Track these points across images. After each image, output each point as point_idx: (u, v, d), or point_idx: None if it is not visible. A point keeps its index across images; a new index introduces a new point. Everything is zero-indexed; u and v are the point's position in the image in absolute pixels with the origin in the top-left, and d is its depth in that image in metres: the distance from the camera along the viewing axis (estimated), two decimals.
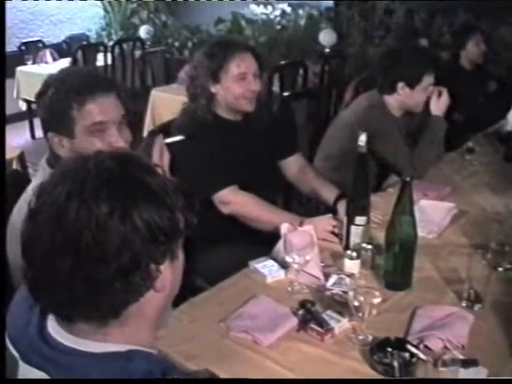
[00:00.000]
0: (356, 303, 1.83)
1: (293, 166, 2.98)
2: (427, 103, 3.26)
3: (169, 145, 2.62)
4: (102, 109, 1.90)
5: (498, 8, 6.20)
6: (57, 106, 1.89)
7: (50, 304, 1.10)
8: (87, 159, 1.10)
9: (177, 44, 8.83)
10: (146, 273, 1.07)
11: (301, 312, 1.96)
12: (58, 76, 1.96)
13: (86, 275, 1.03)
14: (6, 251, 1.86)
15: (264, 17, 8.46)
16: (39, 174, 1.98)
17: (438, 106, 3.25)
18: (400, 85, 3.22)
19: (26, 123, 7.46)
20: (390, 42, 5.51)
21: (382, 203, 2.65)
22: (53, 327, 1.12)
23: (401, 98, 3.26)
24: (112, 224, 1.02)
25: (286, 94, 4.78)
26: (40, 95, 1.93)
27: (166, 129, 2.82)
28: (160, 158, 2.04)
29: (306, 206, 3.55)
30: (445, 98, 3.25)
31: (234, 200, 2.65)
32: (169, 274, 1.12)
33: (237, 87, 2.68)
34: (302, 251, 2.12)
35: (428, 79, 3.22)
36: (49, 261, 1.04)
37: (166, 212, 1.08)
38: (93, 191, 1.03)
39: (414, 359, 1.68)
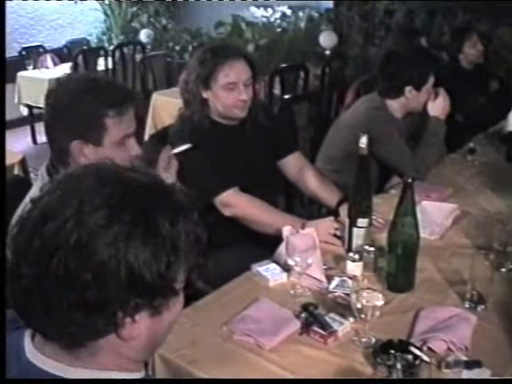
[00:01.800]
0: (359, 305, 1.82)
1: (292, 165, 2.98)
2: (425, 105, 3.26)
3: (164, 144, 2.62)
4: (128, 122, 1.94)
5: (497, 8, 6.20)
6: (90, 114, 1.87)
7: (23, 316, 1.03)
8: (92, 174, 1.02)
9: (177, 47, 8.83)
10: (110, 318, 0.98)
11: (303, 315, 1.95)
12: (87, 84, 1.93)
13: (43, 292, 0.97)
14: (5, 253, 1.85)
15: (264, 19, 8.46)
16: (38, 183, 1.96)
17: (435, 107, 3.24)
18: (408, 88, 3.21)
19: (28, 128, 7.46)
20: (390, 42, 5.49)
21: (384, 205, 2.65)
22: (28, 348, 1.07)
23: (407, 101, 3.25)
24: (90, 253, 0.94)
25: (286, 96, 4.78)
26: (62, 102, 1.88)
27: (166, 133, 2.82)
28: (167, 167, 2.03)
29: (308, 209, 3.55)
30: (441, 99, 3.25)
31: (235, 202, 2.65)
32: (145, 326, 1.01)
33: (226, 97, 2.66)
34: (304, 254, 2.12)
35: (431, 79, 3.23)
36: (19, 265, 0.99)
37: (159, 265, 0.98)
38: (92, 209, 0.95)
39: (417, 361, 1.67)
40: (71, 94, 1.87)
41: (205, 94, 2.69)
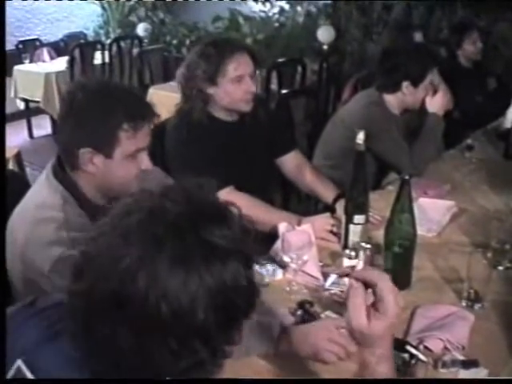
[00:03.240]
0: None
1: (290, 163, 2.97)
2: (423, 101, 3.24)
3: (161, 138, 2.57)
4: (143, 137, 1.85)
5: (497, 3, 6.19)
6: (104, 124, 1.78)
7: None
8: (155, 216, 0.98)
9: (174, 42, 8.81)
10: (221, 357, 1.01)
11: (299, 312, 1.94)
12: (106, 91, 1.85)
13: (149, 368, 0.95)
14: (5, 251, 1.83)
15: (262, 14, 8.44)
16: (43, 185, 1.88)
17: (434, 103, 3.23)
18: (405, 84, 3.19)
19: (24, 122, 7.43)
20: (386, 36, 5.47)
21: (381, 201, 2.63)
22: None
23: (403, 97, 3.23)
24: (192, 311, 0.93)
25: (284, 91, 4.75)
26: (77, 105, 1.79)
27: (163, 127, 2.80)
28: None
29: (305, 205, 3.53)
30: (441, 95, 3.23)
31: (231, 200, 2.62)
32: None
33: (235, 90, 2.64)
34: (299, 251, 2.10)
35: (429, 76, 3.21)
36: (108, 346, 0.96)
37: (245, 284, 0.99)
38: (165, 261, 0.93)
39: (413, 360, 1.66)
40: (88, 99, 1.79)
41: (210, 90, 2.66)
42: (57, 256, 1.73)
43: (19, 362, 1.11)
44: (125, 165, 1.84)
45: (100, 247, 0.96)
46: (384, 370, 1.24)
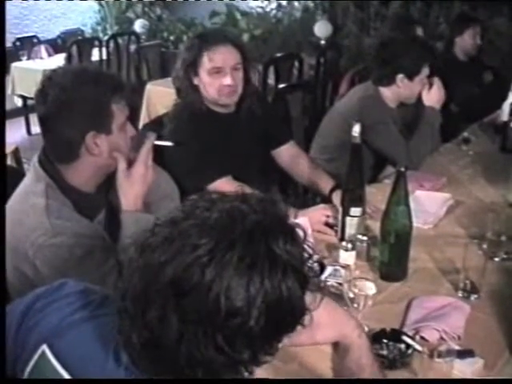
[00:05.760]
0: (351, 295, 1.81)
1: (286, 154, 2.98)
2: (420, 94, 3.24)
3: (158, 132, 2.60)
4: (126, 105, 1.95)
5: None
6: (97, 104, 1.86)
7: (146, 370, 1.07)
8: (235, 221, 1.03)
9: (172, 38, 8.83)
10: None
11: None
12: (82, 75, 1.89)
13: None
14: (5, 251, 1.84)
15: (259, 9, 8.44)
16: (31, 175, 1.94)
17: (430, 96, 3.23)
18: (399, 76, 3.19)
19: (22, 119, 7.42)
20: (385, 30, 5.45)
21: (377, 194, 2.64)
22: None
23: (398, 90, 3.23)
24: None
25: (281, 86, 4.76)
26: (64, 96, 1.82)
27: (161, 122, 2.81)
28: (147, 156, 2.01)
29: (302, 198, 3.53)
30: (436, 89, 3.23)
31: (227, 190, 2.62)
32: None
33: (211, 82, 2.64)
34: None
35: (426, 70, 3.20)
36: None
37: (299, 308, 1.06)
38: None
39: (409, 350, 1.67)
40: (72, 87, 1.83)
41: (195, 81, 2.68)
42: (40, 242, 1.78)
43: (44, 347, 1.15)
44: (120, 137, 1.92)
45: (178, 231, 1.01)
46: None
